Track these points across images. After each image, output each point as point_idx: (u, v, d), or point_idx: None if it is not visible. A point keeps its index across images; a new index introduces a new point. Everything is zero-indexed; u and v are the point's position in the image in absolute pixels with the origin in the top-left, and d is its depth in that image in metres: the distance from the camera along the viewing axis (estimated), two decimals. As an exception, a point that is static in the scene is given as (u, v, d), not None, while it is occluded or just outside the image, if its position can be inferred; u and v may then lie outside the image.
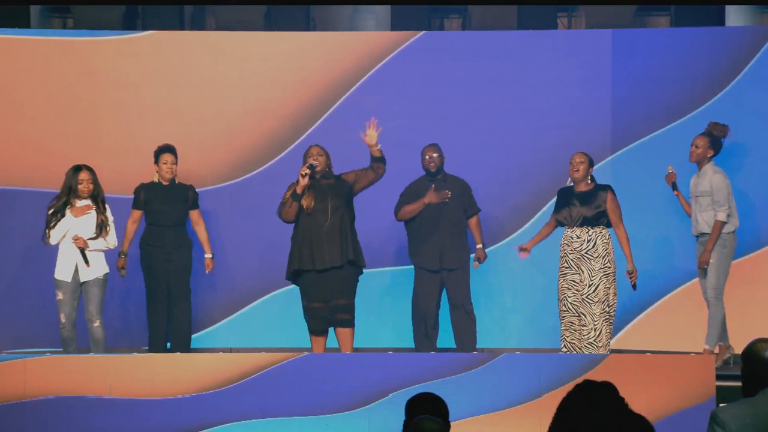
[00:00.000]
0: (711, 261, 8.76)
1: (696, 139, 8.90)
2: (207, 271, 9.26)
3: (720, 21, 10.40)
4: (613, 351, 8.77)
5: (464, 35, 10.70)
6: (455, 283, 9.12)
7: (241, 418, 7.44)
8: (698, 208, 8.82)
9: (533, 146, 9.74)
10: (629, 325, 9.64)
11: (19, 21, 10.34)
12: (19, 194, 9.76)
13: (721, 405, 4.04)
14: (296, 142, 9.84)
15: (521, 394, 7.42)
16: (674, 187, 9.07)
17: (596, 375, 3.45)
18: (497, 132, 9.88)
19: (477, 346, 9.16)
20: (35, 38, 9.94)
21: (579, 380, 3.36)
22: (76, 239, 8.58)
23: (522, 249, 8.86)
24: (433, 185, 9.08)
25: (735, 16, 10.33)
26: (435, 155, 9.11)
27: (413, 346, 9.26)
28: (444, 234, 9.07)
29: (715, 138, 8.88)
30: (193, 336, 9.34)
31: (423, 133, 9.50)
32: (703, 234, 8.79)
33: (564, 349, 8.58)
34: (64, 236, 8.62)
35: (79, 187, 8.67)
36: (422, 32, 10.24)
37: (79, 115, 9.85)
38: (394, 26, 10.77)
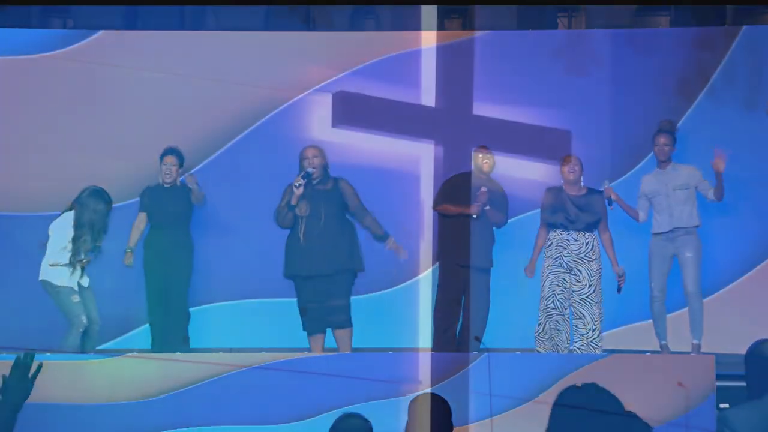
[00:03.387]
0: (690, 255, 8.78)
1: (661, 137, 8.93)
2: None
3: (720, 21, 10.39)
4: (613, 351, 8.77)
5: (465, 35, 10.69)
6: (474, 283, 9.11)
7: (239, 419, 7.44)
8: (674, 202, 8.80)
9: (532, 146, 9.73)
10: (629, 325, 9.63)
11: (19, 21, 10.33)
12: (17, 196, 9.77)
13: (723, 406, 4.04)
14: (297, 141, 9.85)
15: (520, 394, 7.41)
16: (611, 201, 8.82)
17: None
18: (496, 132, 9.87)
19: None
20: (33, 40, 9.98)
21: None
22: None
23: (529, 271, 8.82)
24: (484, 189, 8.96)
25: (735, 17, 10.33)
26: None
27: (412, 346, 9.25)
28: (473, 231, 9.03)
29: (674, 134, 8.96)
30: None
31: (422, 134, 9.48)
32: (678, 228, 8.78)
33: (543, 349, 8.52)
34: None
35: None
36: (422, 32, 10.23)
37: (78, 116, 9.85)
38: (395, 26, 10.76)
